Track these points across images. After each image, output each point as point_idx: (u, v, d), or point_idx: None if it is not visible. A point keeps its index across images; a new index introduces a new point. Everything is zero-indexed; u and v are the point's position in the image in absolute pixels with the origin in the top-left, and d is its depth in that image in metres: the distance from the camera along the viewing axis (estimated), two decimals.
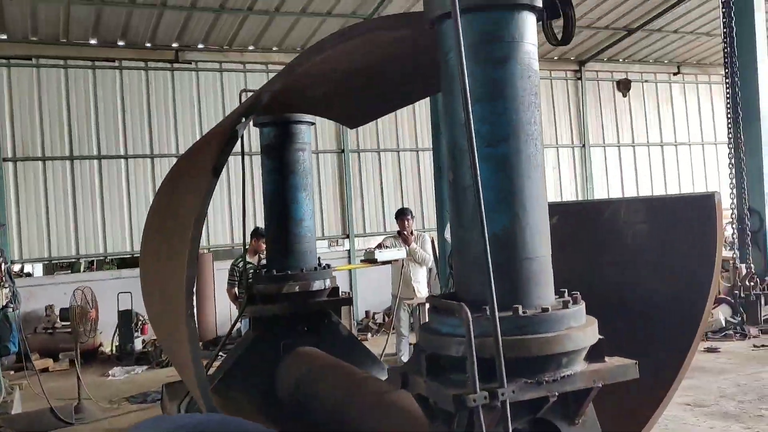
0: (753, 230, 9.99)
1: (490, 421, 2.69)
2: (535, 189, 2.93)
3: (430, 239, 8.44)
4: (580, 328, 2.85)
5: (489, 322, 2.70)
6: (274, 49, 12.87)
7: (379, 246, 7.71)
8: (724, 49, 10.35)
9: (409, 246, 7.88)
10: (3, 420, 6.13)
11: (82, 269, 11.94)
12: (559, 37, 2.91)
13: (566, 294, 2.98)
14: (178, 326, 3.42)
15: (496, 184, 2.85)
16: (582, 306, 2.94)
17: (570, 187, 15.74)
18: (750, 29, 10.23)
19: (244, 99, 6.59)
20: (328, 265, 6.45)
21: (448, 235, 8.94)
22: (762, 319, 9.53)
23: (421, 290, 8.14)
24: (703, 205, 4.00)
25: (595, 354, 2.94)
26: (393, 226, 14.07)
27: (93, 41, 11.61)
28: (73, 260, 11.98)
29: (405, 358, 8.11)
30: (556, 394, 2.77)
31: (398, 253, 7.47)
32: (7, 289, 6.99)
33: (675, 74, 17.53)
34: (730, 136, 10.22)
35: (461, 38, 2.69)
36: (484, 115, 2.85)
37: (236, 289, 8.70)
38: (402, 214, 8.15)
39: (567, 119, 15.78)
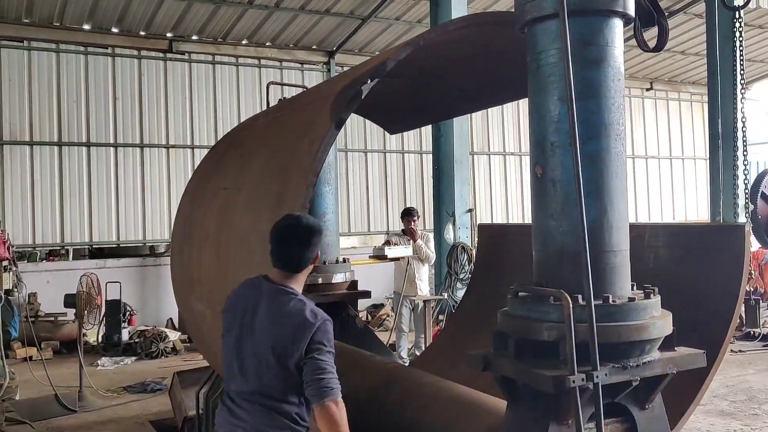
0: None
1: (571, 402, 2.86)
2: (621, 185, 3.10)
3: (433, 238, 8.59)
4: (661, 318, 3.04)
5: (581, 309, 2.87)
6: (267, 44, 12.88)
7: (387, 243, 7.82)
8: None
9: (415, 242, 8.02)
10: (11, 405, 6.01)
11: (70, 258, 11.72)
12: (651, 45, 3.09)
13: (634, 287, 3.18)
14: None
15: (587, 179, 2.99)
16: (659, 298, 3.13)
17: None
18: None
19: (271, 91, 6.70)
20: (346, 259, 6.57)
21: (449, 235, 9.10)
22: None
23: (423, 288, 8.28)
24: (732, 235, 4.21)
25: (667, 344, 3.13)
26: (375, 226, 14.31)
27: (87, 26, 11.43)
28: (58, 248, 11.72)
29: (404, 354, 8.24)
30: (638, 378, 2.95)
31: (406, 250, 7.62)
32: (12, 273, 6.86)
33: (648, 90, 18.10)
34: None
35: (568, 38, 2.86)
36: (578, 112, 3.00)
37: None
38: (408, 214, 8.28)
39: None
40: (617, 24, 3.10)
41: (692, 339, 3.81)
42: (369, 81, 3.19)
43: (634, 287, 3.20)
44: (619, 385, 2.94)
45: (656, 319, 3.00)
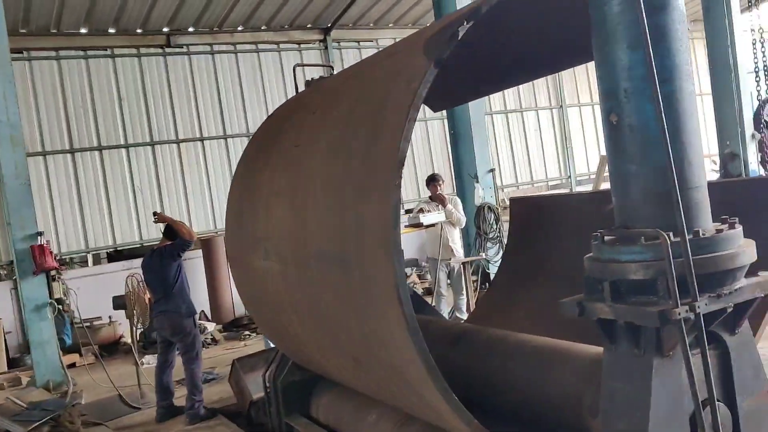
0: None
1: (672, 335, 3.01)
2: (695, 124, 3.22)
3: (460, 201, 8.71)
4: (747, 245, 3.17)
5: (675, 245, 2.99)
6: (263, 28, 12.85)
7: (420, 210, 7.93)
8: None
9: (445, 207, 8.13)
10: (82, 408, 6.16)
11: (90, 263, 11.78)
12: None
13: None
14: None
15: (665, 120, 3.11)
16: (741, 227, 3.26)
17: (551, 148, 16.23)
18: None
19: (299, 74, 6.70)
20: None
21: (480, 193, 9.20)
22: None
23: (459, 251, 8.42)
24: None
25: (751, 270, 3.28)
26: (407, 195, 14.35)
27: (84, 30, 11.36)
28: (83, 254, 11.78)
29: (445, 316, 8.39)
30: (732, 305, 3.10)
31: (439, 216, 7.73)
32: (60, 281, 6.94)
33: None
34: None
35: None
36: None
37: None
38: (433, 180, 8.39)
39: (544, 82, 16.20)
40: None
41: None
42: (465, 23, 3.14)
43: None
44: (715, 313, 3.09)
45: (743, 247, 3.14)
